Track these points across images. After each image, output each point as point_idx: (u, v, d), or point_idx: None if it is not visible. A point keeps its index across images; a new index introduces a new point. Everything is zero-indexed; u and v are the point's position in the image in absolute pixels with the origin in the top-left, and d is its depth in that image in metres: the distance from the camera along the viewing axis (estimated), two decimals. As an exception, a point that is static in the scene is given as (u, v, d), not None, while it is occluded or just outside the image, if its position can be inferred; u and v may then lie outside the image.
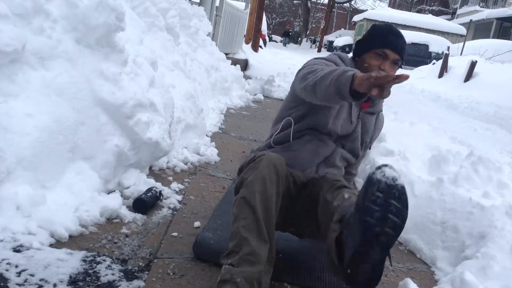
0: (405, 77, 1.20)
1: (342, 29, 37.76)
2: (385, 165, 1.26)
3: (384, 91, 1.24)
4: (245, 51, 10.86)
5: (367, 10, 32.50)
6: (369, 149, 2.05)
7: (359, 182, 3.10)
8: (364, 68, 1.73)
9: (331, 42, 31.22)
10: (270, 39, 37.07)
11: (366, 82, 1.26)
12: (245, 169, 1.59)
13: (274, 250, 1.50)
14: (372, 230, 1.20)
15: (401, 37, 1.76)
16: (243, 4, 11.48)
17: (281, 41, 36.88)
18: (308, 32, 41.18)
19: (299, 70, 1.71)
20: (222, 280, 1.39)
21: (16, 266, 1.48)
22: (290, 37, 37.24)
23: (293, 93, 1.84)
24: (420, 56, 18.13)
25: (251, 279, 1.36)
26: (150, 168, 2.63)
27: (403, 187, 1.22)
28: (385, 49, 1.71)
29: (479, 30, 24.65)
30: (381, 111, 1.95)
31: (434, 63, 12.48)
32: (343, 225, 1.34)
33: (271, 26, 41.66)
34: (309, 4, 40.46)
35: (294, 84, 1.76)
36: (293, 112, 1.84)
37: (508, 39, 18.33)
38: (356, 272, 1.26)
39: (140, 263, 1.67)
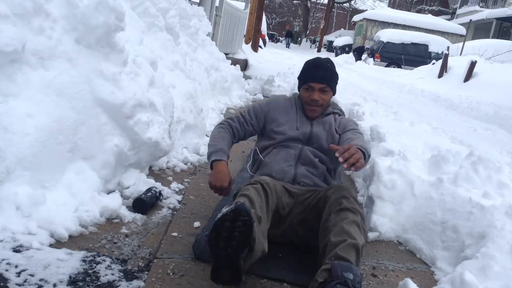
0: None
1: (342, 29, 37.78)
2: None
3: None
4: (245, 51, 10.86)
5: (367, 10, 32.51)
6: (358, 133, 2.16)
7: (359, 182, 3.10)
8: (302, 100, 2.19)
9: (330, 42, 31.25)
10: (278, 41, 36.47)
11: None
12: (238, 194, 1.78)
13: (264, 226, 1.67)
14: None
15: (321, 68, 2.12)
16: (243, 4, 11.48)
17: (281, 41, 36.58)
18: (308, 32, 41.20)
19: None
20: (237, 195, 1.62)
21: (16, 266, 1.48)
22: (293, 38, 36.09)
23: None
24: (420, 56, 18.14)
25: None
26: (150, 168, 2.63)
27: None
28: (310, 83, 2.11)
29: (479, 30, 24.65)
30: (334, 112, 2.24)
31: (434, 63, 12.48)
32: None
33: (271, 26, 41.62)
34: (309, 4, 40.47)
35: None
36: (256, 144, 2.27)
37: (508, 39, 18.35)
38: None
39: (140, 263, 1.67)
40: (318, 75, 2.10)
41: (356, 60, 19.30)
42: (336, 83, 2.20)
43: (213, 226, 1.46)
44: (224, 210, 1.47)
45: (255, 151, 2.20)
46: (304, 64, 2.21)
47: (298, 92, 2.27)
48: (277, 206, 1.82)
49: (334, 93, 2.20)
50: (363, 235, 1.65)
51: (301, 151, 2.08)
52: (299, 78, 2.20)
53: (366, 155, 1.86)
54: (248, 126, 2.21)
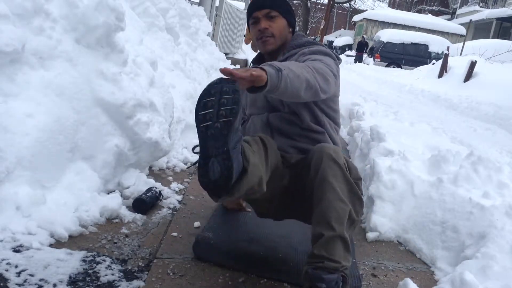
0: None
1: (342, 29, 37.77)
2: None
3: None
4: (245, 51, 10.85)
5: (367, 10, 32.51)
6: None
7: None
8: (254, 37, 1.87)
9: (331, 42, 31.23)
10: None
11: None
12: None
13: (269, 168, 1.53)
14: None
15: None
16: (243, 4, 11.48)
17: None
18: (308, 32, 41.15)
19: None
20: None
21: (16, 266, 1.48)
22: None
23: None
24: (420, 56, 18.16)
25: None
26: (150, 168, 2.63)
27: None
28: (253, 14, 1.83)
29: (479, 30, 24.65)
30: (294, 53, 1.84)
31: (434, 63, 12.50)
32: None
33: (271, 26, 41.49)
34: (309, 4, 40.41)
35: None
36: None
37: (508, 39, 18.35)
38: None
39: (140, 263, 1.67)
40: (259, 2, 1.84)
41: (356, 61, 19.25)
42: (288, 11, 1.87)
43: (200, 95, 1.28)
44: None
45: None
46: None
47: None
48: (276, 166, 1.64)
49: (290, 23, 1.88)
50: (354, 198, 1.52)
51: (268, 119, 1.84)
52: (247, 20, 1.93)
53: (274, 71, 1.36)
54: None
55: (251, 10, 1.84)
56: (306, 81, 1.46)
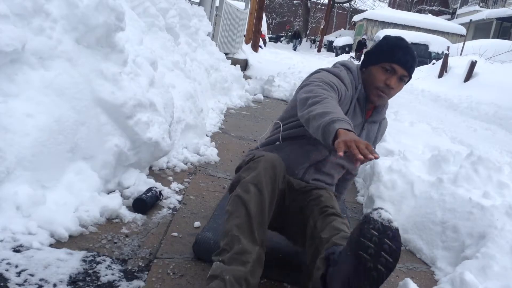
0: (375, 158, 1.27)
1: (342, 29, 37.78)
2: (381, 208, 1.31)
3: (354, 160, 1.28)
4: (245, 51, 10.86)
5: (367, 10, 32.51)
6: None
7: (359, 182, 3.10)
8: (370, 81, 1.75)
9: (331, 42, 31.22)
10: (278, 40, 35.12)
11: (341, 146, 1.28)
12: (243, 167, 1.62)
13: (264, 253, 1.49)
14: (364, 264, 1.23)
15: (411, 53, 1.74)
16: (243, 4, 11.48)
17: (281, 41, 36.21)
18: (308, 32, 41.18)
19: (302, 84, 1.73)
20: (211, 275, 1.39)
21: (16, 266, 1.48)
22: (301, 39, 31.57)
23: (294, 104, 1.80)
24: (420, 56, 18.15)
25: (240, 278, 1.36)
26: (150, 168, 2.63)
27: (397, 230, 1.27)
28: (393, 64, 1.71)
29: (479, 30, 24.65)
30: (384, 118, 1.95)
31: (434, 63, 12.51)
32: (331, 262, 1.35)
33: (271, 26, 41.57)
34: (309, 4, 40.45)
35: (297, 97, 1.71)
36: (291, 120, 1.82)
37: (508, 39, 18.36)
38: None
39: (140, 263, 1.67)
40: (406, 60, 1.72)
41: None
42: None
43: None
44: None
45: (278, 126, 1.83)
46: (387, 40, 1.79)
47: (355, 69, 1.83)
48: (282, 191, 1.64)
49: None
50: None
51: (324, 160, 1.78)
52: (374, 53, 1.79)
53: None
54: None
55: (395, 59, 1.72)
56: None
